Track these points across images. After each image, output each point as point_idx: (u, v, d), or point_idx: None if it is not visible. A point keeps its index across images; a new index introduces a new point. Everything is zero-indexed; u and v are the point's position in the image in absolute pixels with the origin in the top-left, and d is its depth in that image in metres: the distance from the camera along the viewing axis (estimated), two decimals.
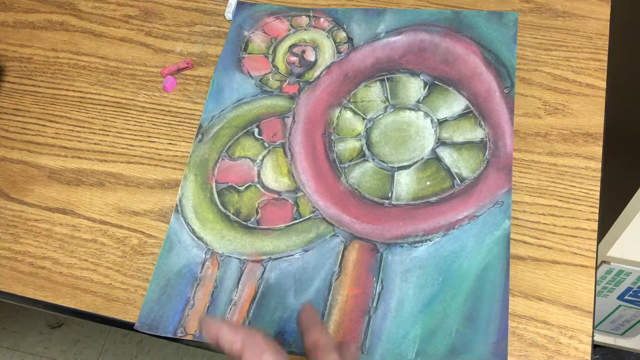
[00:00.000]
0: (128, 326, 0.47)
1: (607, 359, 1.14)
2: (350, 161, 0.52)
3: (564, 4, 0.56)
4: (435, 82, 0.54)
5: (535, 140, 0.50)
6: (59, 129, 0.57)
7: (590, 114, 0.51)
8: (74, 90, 0.59)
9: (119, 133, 0.56)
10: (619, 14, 0.56)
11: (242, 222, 0.50)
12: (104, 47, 0.61)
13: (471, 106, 0.52)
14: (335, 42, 0.58)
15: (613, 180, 0.51)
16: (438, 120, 0.52)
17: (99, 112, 0.57)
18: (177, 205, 0.51)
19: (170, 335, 0.46)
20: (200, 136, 0.54)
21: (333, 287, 0.46)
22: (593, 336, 0.43)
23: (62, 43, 0.62)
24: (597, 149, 0.49)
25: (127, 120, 0.56)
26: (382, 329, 0.44)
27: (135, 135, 0.56)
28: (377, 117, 0.53)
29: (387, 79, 0.55)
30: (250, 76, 0.57)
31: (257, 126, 0.54)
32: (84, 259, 0.50)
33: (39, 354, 1.23)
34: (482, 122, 0.51)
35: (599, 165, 0.48)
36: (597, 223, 0.46)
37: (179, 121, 0.56)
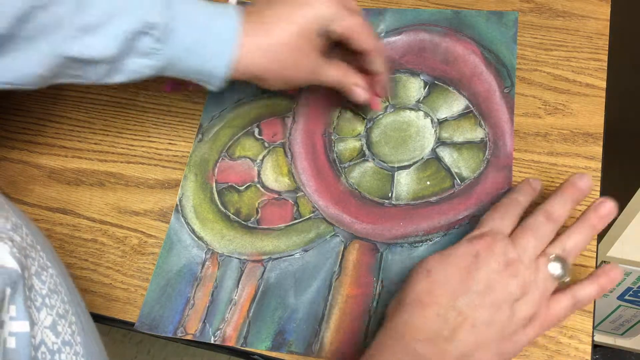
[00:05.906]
0: (128, 326, 0.47)
1: (607, 359, 1.14)
2: (350, 161, 0.52)
3: (564, 4, 0.56)
4: (435, 82, 0.54)
5: (535, 140, 0.50)
6: (59, 129, 0.57)
7: (590, 114, 0.51)
8: (74, 90, 0.59)
9: (119, 133, 0.56)
10: (619, 14, 0.55)
11: (242, 222, 0.50)
12: None
13: (471, 106, 0.52)
14: None
15: (613, 180, 0.51)
16: (438, 120, 0.52)
17: (99, 112, 0.57)
18: (177, 205, 0.51)
19: (170, 335, 0.46)
20: (200, 136, 0.54)
21: (333, 287, 0.46)
22: (593, 336, 0.43)
23: None
24: (597, 149, 0.49)
25: (127, 120, 0.56)
26: None
27: (135, 135, 0.56)
28: (377, 117, 0.53)
29: None
30: None
31: (257, 126, 0.54)
32: (84, 259, 0.50)
33: None
34: (482, 122, 0.51)
35: (599, 165, 0.48)
36: None
37: (179, 121, 0.56)
